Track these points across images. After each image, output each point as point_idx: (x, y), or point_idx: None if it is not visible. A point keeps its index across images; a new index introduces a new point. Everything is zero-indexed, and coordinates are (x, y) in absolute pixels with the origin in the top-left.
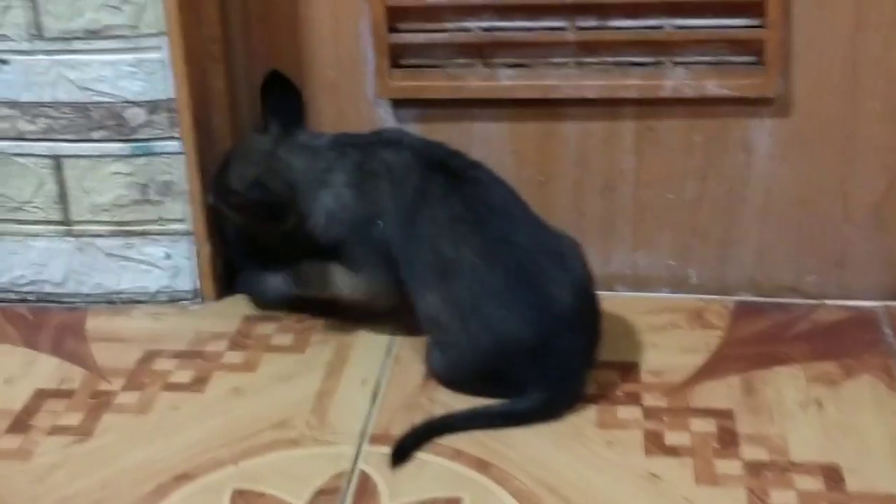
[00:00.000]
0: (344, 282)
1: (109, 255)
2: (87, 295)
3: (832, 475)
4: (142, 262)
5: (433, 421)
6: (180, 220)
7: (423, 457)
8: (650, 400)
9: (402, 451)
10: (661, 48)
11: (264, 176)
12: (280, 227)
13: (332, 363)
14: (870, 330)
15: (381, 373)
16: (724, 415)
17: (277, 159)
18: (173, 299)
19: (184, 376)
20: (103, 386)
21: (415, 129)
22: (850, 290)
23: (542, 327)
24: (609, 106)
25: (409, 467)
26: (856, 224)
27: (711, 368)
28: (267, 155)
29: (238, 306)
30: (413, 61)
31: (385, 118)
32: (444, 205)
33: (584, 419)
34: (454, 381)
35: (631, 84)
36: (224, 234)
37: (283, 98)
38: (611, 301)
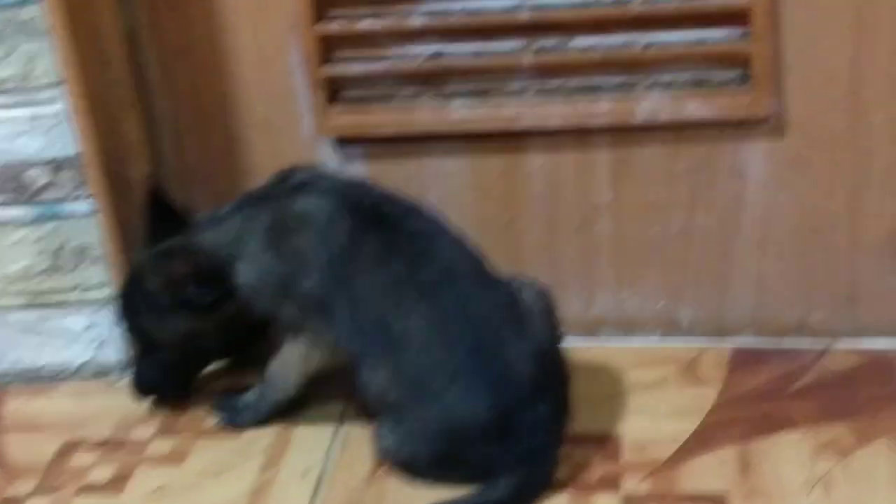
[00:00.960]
0: (293, 360)
1: (25, 329)
2: (6, 373)
3: None
4: (61, 335)
5: None
6: (100, 287)
7: None
8: (631, 484)
9: None
10: (632, 68)
11: (194, 271)
12: (226, 315)
13: (271, 449)
14: (887, 379)
15: (325, 460)
16: (715, 501)
17: (196, 250)
18: (99, 373)
19: (103, 473)
20: (14, 489)
21: (363, 169)
22: (863, 327)
23: (503, 404)
24: (579, 135)
25: None
26: (868, 253)
27: (704, 438)
28: (183, 251)
29: None
30: (354, 94)
31: (328, 159)
32: (384, 266)
33: None
34: (408, 466)
35: (601, 110)
36: (150, 368)
37: (169, 213)
38: (595, 350)
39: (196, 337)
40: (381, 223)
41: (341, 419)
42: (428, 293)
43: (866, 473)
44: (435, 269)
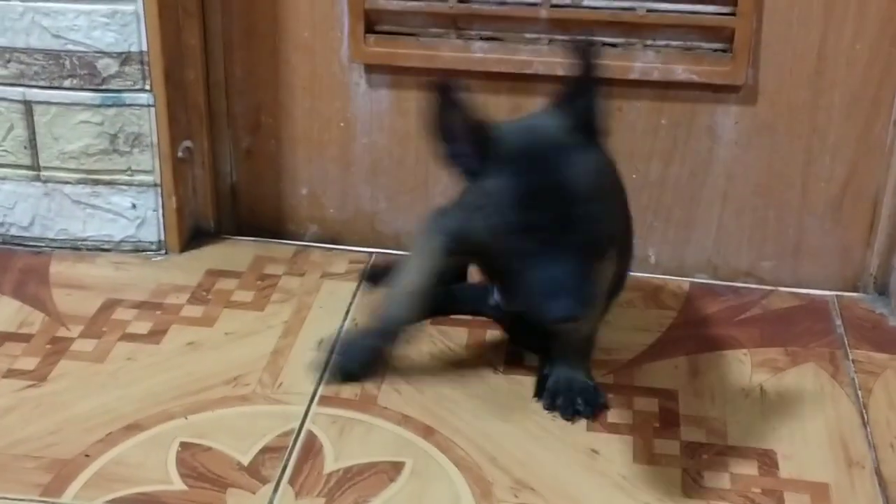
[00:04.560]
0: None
1: (76, 202)
2: (53, 240)
3: (767, 460)
4: (108, 210)
5: None
6: (148, 172)
7: (370, 420)
8: (598, 377)
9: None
10: (633, 30)
11: None
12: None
13: (289, 322)
14: (820, 319)
15: (337, 335)
16: (667, 395)
17: None
18: (137, 249)
19: (142, 327)
20: (62, 332)
21: (386, 95)
22: (804, 278)
23: None
24: None
25: (356, 430)
26: (814, 214)
27: (660, 348)
28: None
29: (201, 260)
30: (388, 28)
31: (358, 82)
32: None
33: (532, 393)
34: None
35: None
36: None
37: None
38: None
39: None
40: None
41: (352, 302)
42: None
43: (795, 387)
44: None
